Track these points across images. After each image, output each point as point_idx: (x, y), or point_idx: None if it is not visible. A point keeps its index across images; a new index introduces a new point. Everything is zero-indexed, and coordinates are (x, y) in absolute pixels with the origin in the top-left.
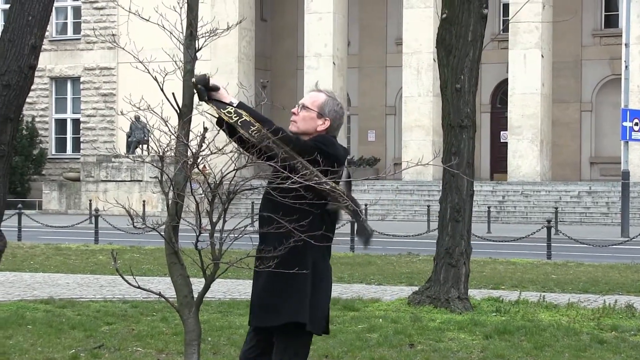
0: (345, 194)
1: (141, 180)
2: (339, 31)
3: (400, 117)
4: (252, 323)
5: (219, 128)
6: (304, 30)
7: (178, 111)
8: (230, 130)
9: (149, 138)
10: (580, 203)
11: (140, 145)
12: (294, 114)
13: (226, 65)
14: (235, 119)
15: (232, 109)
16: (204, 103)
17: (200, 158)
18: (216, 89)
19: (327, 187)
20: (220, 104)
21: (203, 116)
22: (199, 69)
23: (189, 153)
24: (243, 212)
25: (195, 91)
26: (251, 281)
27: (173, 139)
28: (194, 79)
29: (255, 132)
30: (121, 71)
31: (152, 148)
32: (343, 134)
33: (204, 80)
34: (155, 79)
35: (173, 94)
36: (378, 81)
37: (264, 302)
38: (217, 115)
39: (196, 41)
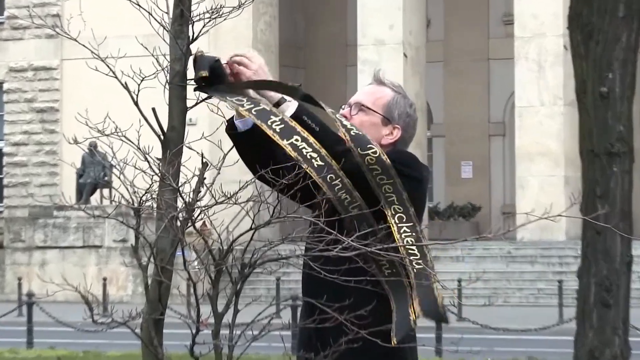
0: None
1: (100, 246)
2: (413, 5)
3: (513, 140)
4: None
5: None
6: (355, 6)
7: (162, 137)
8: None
9: (112, 179)
10: None
11: (100, 190)
12: (344, 117)
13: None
14: (249, 106)
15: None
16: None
17: (198, 211)
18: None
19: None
20: (227, 92)
21: (205, 140)
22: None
23: (180, 203)
24: (264, 295)
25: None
26: None
27: (155, 181)
28: (201, 51)
29: (278, 123)
30: (67, 73)
31: (118, 194)
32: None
33: (212, 61)
34: (126, 87)
35: (154, 109)
36: (476, 83)
37: None
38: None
39: (189, 26)
